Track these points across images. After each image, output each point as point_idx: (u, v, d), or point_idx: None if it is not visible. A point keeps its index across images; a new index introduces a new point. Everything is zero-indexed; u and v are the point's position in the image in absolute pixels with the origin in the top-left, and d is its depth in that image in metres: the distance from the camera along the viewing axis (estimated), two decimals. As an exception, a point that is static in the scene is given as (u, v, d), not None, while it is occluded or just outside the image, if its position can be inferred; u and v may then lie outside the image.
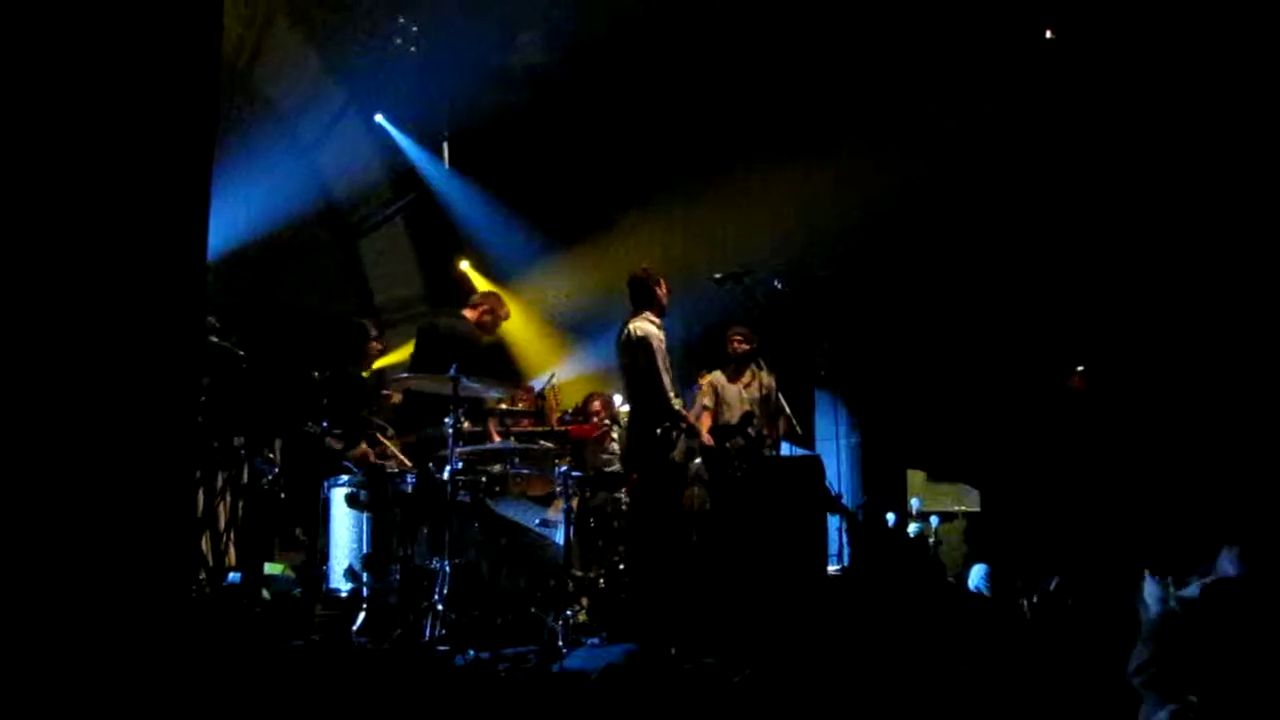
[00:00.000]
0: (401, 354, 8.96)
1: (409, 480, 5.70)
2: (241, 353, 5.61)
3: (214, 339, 5.45)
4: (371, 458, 6.09)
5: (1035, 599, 6.31)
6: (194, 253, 3.40)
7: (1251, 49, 8.48)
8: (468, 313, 6.91)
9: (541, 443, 6.80)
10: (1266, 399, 8.03)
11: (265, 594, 5.56)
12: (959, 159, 9.57)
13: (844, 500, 8.98)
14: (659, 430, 6.26)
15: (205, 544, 5.48)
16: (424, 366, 6.36)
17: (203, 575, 5.24)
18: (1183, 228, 8.98)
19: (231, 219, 7.62)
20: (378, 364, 7.77)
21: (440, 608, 5.27)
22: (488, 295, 7.16)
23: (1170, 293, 9.01)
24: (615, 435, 8.20)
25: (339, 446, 5.93)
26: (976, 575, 7.98)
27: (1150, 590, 3.53)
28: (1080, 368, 8.88)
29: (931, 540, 9.04)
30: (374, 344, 6.86)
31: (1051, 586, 6.52)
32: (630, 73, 9.72)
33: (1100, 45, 9.25)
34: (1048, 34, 9.63)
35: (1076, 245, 9.52)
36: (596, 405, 8.21)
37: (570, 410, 8.43)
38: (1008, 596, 7.15)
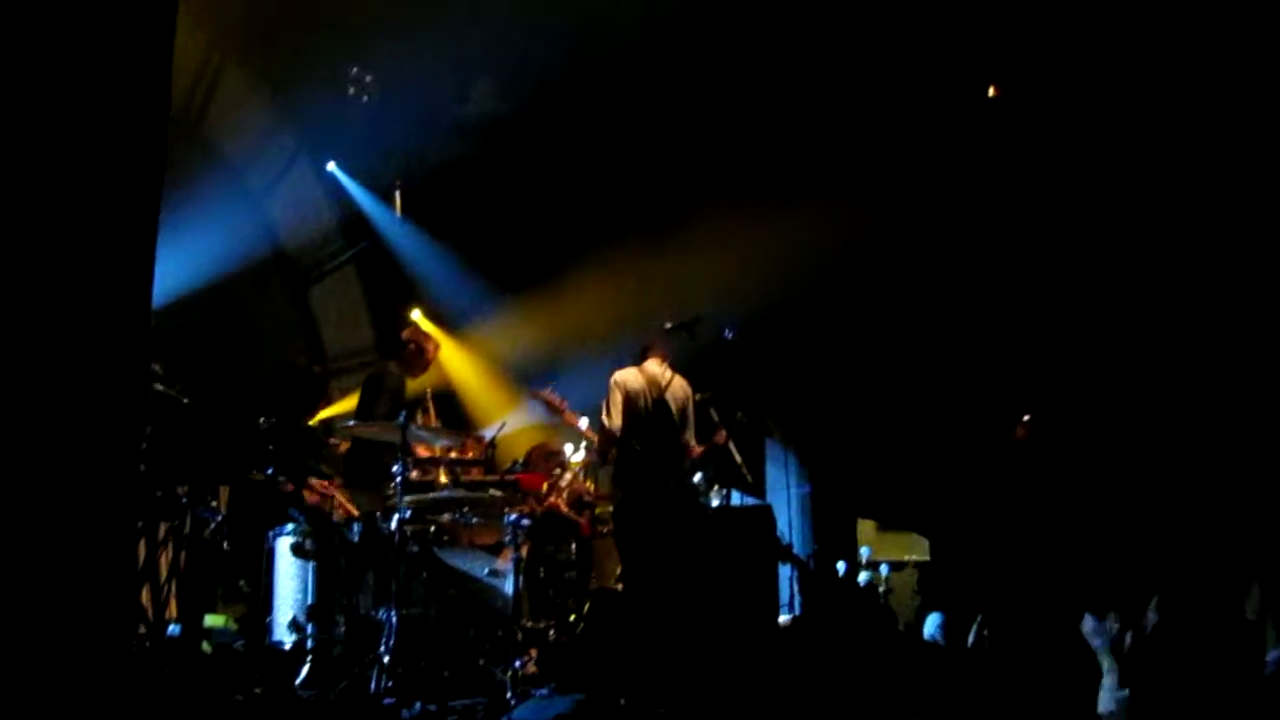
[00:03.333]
0: (349, 403, 8.89)
1: (356, 529, 5.64)
2: (186, 400, 5.55)
3: (159, 386, 5.39)
4: (324, 506, 6.02)
5: (977, 640, 6.37)
6: (139, 299, 3.38)
7: (1177, 116, 8.79)
8: (392, 365, 6.91)
9: (492, 491, 6.76)
10: (1199, 452, 8.22)
11: (206, 646, 5.44)
12: (908, 212, 9.74)
13: (795, 549, 8.99)
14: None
15: (145, 596, 5.37)
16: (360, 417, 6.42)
17: (143, 628, 5.13)
18: (1125, 280, 9.20)
19: (180, 266, 7.54)
20: (325, 413, 7.71)
21: (387, 659, 5.19)
22: (414, 332, 7.15)
23: (1114, 343, 9.21)
24: (563, 484, 8.11)
25: (290, 489, 5.85)
26: (931, 624, 8.01)
27: (1089, 625, 3.59)
28: (1026, 417, 9.01)
29: (881, 589, 9.06)
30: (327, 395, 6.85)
31: (984, 631, 6.58)
32: (583, 124, 9.81)
33: (1041, 103, 9.51)
34: (990, 92, 9.88)
35: (1023, 297, 9.71)
36: (539, 456, 8.11)
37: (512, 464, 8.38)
38: (962, 645, 7.19)
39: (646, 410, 6.52)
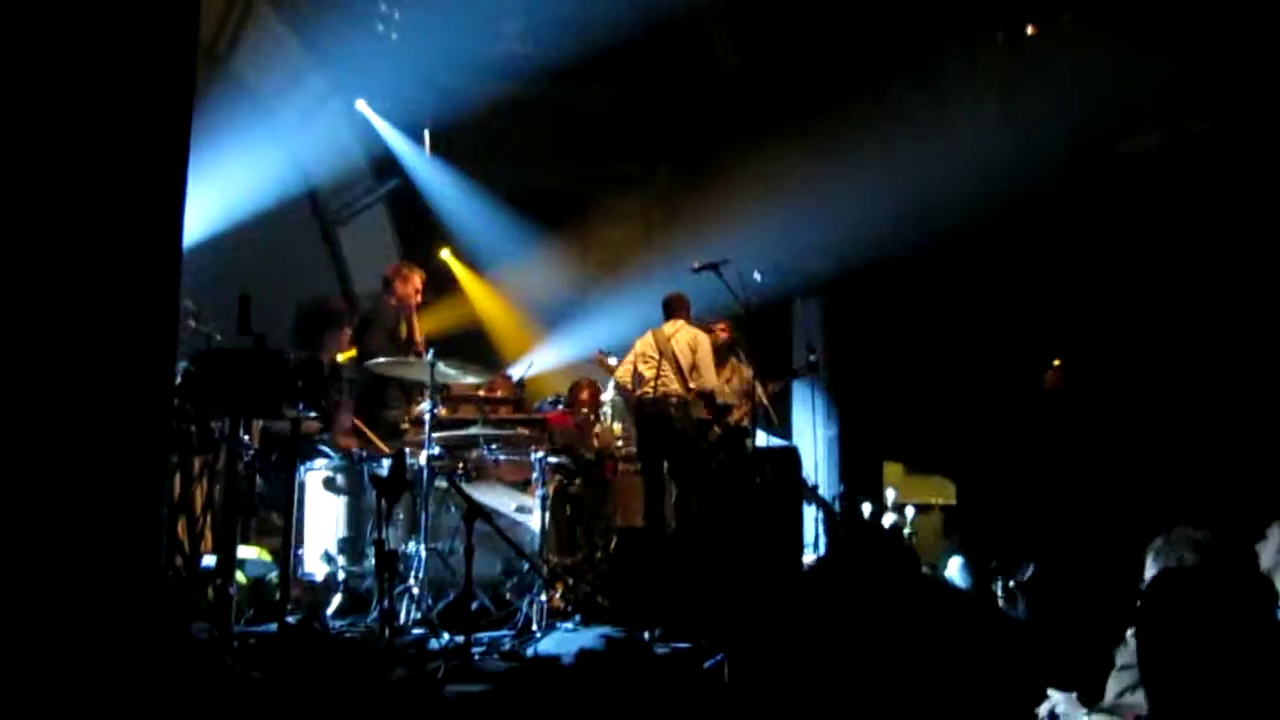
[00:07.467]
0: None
1: (384, 464, 5.70)
2: (219, 337, 5.60)
3: (192, 323, 5.45)
4: (352, 444, 6.09)
5: (1010, 585, 6.37)
6: (170, 238, 3.41)
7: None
8: (382, 302, 7.25)
9: (519, 429, 6.82)
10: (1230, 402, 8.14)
11: (241, 577, 5.55)
12: (944, 154, 9.62)
13: (821, 491, 9.03)
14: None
15: (182, 529, 5.45)
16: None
17: (179, 560, 5.23)
18: (1161, 231, 9.07)
19: (209, 205, 7.57)
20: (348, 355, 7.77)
21: (415, 591, 5.29)
22: (393, 269, 7.39)
23: (1150, 293, 9.10)
24: (599, 428, 8.20)
25: (318, 429, 5.92)
26: (954, 567, 8.03)
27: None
28: (1057, 362, 8.94)
29: (906, 531, 9.09)
30: (347, 330, 6.89)
31: (1026, 575, 6.58)
32: (611, 62, 9.71)
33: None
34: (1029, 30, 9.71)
35: (1058, 246, 9.59)
36: (585, 395, 8.28)
37: (554, 397, 8.51)
38: (984, 588, 7.21)
39: (654, 364, 7.36)
